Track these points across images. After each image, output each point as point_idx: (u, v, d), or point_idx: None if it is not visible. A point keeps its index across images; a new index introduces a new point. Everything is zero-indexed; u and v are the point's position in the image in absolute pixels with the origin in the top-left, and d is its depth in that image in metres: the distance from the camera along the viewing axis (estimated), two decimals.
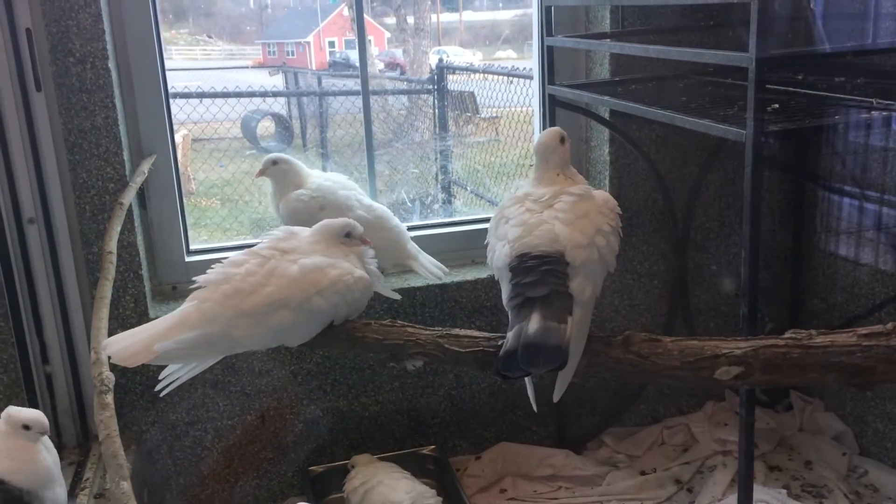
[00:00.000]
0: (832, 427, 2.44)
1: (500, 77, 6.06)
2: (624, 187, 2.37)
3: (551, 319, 1.20)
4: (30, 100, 1.88)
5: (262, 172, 2.15)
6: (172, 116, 2.21)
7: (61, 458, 1.68)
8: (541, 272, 1.27)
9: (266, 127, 8.24)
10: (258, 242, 1.59)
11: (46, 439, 1.57)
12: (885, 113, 1.54)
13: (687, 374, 1.19)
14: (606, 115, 2.31)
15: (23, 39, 1.84)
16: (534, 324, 1.20)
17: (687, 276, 2.47)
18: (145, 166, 2.09)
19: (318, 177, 2.19)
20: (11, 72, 1.84)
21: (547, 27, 2.22)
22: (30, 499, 1.50)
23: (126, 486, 1.40)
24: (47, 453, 1.57)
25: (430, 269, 2.17)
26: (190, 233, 2.33)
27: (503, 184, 5.37)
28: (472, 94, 7.44)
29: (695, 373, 1.18)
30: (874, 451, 2.35)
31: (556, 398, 1.32)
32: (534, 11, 2.40)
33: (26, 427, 1.52)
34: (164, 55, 2.17)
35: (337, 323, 1.50)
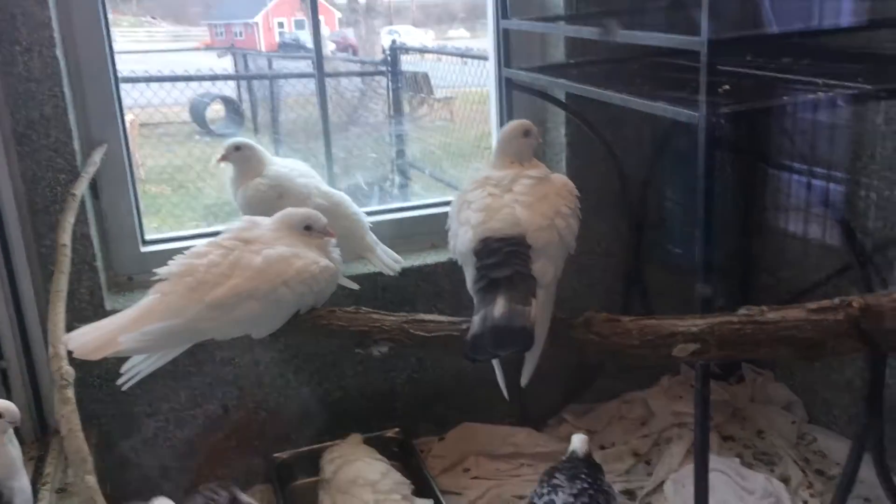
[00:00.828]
0: (782, 397, 2.53)
1: (454, 57, 6.06)
2: (580, 168, 2.40)
3: (516, 302, 1.23)
4: None
5: (224, 158, 2.09)
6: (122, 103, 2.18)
7: None
8: (503, 254, 1.30)
9: (216, 111, 8.10)
10: (218, 232, 1.58)
11: (11, 431, 1.55)
12: (829, 93, 1.59)
13: (646, 352, 1.23)
14: (563, 98, 2.33)
15: None
16: (499, 308, 1.23)
17: (641, 256, 2.52)
18: (97, 156, 2.05)
19: (277, 164, 2.17)
20: None
21: (502, 10, 2.23)
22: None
23: (91, 480, 1.38)
24: (12, 445, 1.55)
25: (385, 262, 2.18)
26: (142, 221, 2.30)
27: (460, 166, 5.39)
28: (425, 74, 7.41)
29: (653, 350, 1.22)
30: (822, 419, 2.45)
31: (523, 382, 1.36)
32: None
33: None
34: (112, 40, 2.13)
35: (303, 312, 1.51)
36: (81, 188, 1.96)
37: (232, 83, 8.63)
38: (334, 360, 2.33)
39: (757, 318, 1.17)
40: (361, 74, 7.26)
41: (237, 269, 1.46)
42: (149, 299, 1.44)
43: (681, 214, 2.51)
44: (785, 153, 2.31)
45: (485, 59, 4.21)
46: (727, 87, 1.71)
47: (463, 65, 5.53)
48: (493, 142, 2.55)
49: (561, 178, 1.49)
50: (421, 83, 7.50)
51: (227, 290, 1.43)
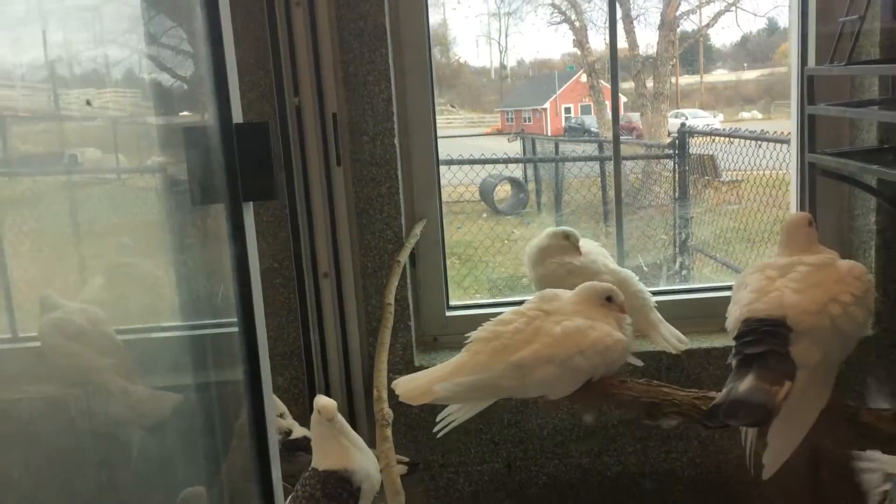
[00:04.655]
0: None
1: (744, 140, 5.92)
2: (893, 258, 2.25)
3: (764, 381, 1.26)
4: (331, 173, 2.21)
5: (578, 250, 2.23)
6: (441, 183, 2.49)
7: None
8: (760, 332, 1.34)
9: (503, 191, 8.64)
10: (516, 302, 1.76)
11: (343, 426, 1.83)
12: None
13: None
14: (874, 183, 2.22)
15: (329, 122, 2.19)
16: (746, 383, 1.27)
17: None
18: (418, 229, 2.35)
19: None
20: (318, 150, 2.19)
21: (809, 96, 2.20)
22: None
23: None
24: (344, 436, 1.83)
25: (669, 340, 2.19)
26: None
27: (745, 251, 5.21)
28: (711, 157, 7.28)
29: None
30: None
31: (766, 474, 1.34)
32: (792, 79, 2.40)
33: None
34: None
35: (594, 380, 1.61)
36: (405, 256, 2.27)
37: (519, 165, 9.16)
38: (615, 434, 2.37)
39: None
40: (651, 157, 7.36)
41: (539, 336, 1.60)
42: (461, 357, 1.64)
43: None
44: None
45: (782, 141, 4.10)
46: None
47: (757, 147, 5.38)
48: None
49: (848, 264, 1.46)
50: (707, 166, 7.38)
51: (529, 354, 1.58)
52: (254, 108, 2.19)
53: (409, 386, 1.63)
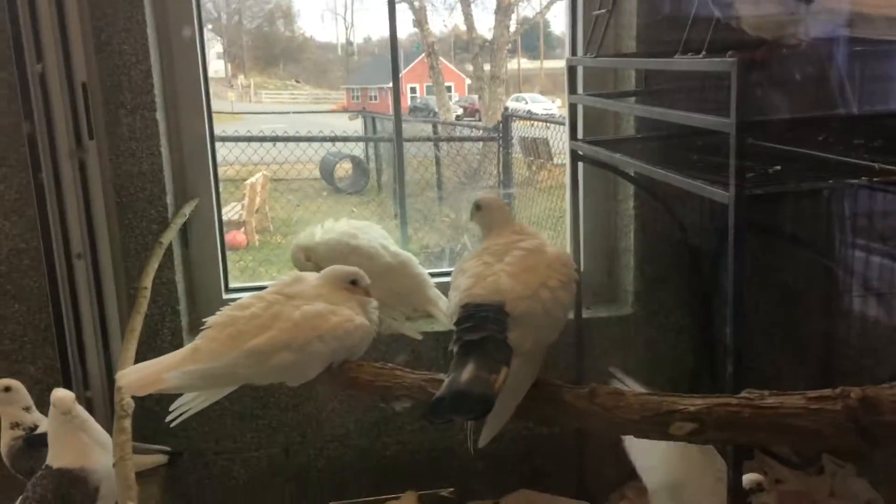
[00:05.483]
0: (864, 493, 2.35)
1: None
2: (649, 240, 2.39)
3: (483, 370, 1.26)
4: (83, 145, 2.06)
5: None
6: (219, 160, 2.40)
7: None
8: (478, 318, 1.34)
9: (343, 169, 8.52)
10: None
11: (89, 421, 1.81)
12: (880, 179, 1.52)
13: (645, 427, 1.22)
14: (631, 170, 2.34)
15: (79, 92, 2.04)
16: (466, 374, 1.26)
17: (712, 330, 2.44)
18: (187, 209, 2.25)
19: (348, 224, 2.31)
20: (67, 122, 2.03)
21: (570, 85, 2.28)
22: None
23: None
24: (84, 432, 1.79)
25: (448, 316, 2.24)
26: (259, 269, 2.48)
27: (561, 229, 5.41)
28: (545, 140, 7.51)
29: (653, 427, 1.21)
30: None
31: (480, 443, 1.38)
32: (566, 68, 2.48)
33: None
34: (212, 104, 2.35)
35: (335, 366, 1.59)
36: (169, 237, 2.16)
37: (362, 143, 9.08)
38: (393, 414, 2.38)
39: (756, 403, 1.13)
40: (470, 139, 7.44)
41: (276, 321, 1.56)
42: (194, 344, 1.57)
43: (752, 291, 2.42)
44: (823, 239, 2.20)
45: None
46: (778, 167, 1.68)
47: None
48: (567, 211, 2.59)
49: (555, 251, 1.51)
50: (540, 149, 7.60)
51: (263, 340, 1.53)
52: None
53: (135, 376, 1.54)
